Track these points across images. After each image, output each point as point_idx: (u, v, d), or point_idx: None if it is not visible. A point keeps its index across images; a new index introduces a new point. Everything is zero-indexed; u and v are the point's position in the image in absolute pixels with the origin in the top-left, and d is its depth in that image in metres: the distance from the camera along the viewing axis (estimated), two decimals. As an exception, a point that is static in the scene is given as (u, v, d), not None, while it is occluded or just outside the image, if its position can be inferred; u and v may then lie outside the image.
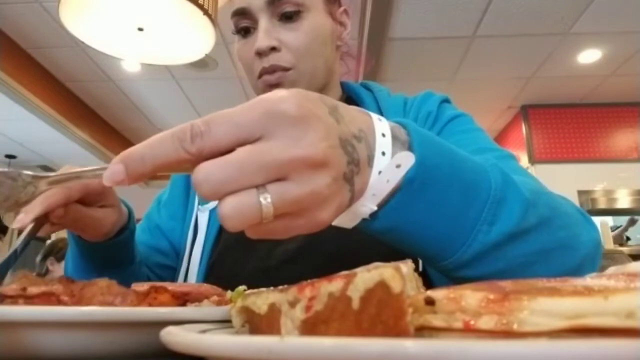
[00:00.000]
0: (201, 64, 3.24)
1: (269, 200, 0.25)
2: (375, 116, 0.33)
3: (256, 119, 0.26)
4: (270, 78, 0.63)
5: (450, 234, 0.35)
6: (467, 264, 0.36)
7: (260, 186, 0.26)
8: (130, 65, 3.41)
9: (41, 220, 0.44)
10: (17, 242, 0.42)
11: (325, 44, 0.65)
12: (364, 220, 0.34)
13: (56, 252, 2.48)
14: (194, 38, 1.80)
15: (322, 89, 0.68)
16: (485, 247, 0.36)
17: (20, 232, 0.43)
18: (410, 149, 0.33)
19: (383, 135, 0.32)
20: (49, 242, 2.65)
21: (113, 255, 0.58)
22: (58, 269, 2.45)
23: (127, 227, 0.57)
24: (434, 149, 0.34)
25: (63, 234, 2.56)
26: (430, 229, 0.35)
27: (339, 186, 0.29)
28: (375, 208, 0.32)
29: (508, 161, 0.57)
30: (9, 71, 3.13)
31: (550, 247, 0.39)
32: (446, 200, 0.34)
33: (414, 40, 3.10)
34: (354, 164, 0.29)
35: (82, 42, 1.85)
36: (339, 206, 0.29)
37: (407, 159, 0.32)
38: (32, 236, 0.43)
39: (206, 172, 0.25)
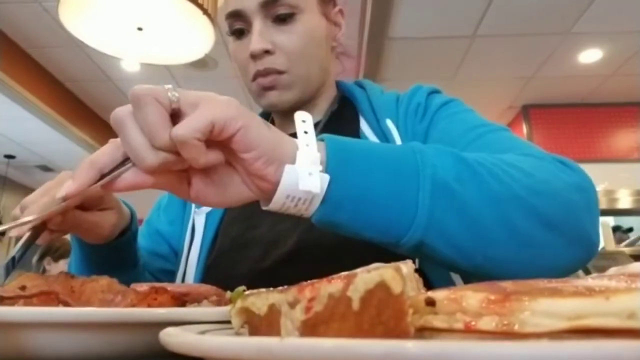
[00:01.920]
0: (201, 64, 3.24)
1: (176, 94, 0.34)
2: (297, 150, 0.37)
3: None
4: (264, 81, 0.63)
5: (398, 190, 0.37)
6: (430, 212, 0.37)
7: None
8: (130, 65, 3.41)
9: (39, 227, 0.44)
10: (15, 249, 0.42)
11: (319, 45, 0.65)
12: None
13: (53, 252, 2.49)
14: (194, 38, 1.80)
15: (317, 90, 0.68)
16: (438, 182, 0.37)
17: (18, 239, 0.43)
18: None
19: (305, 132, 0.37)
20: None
21: (116, 258, 0.57)
22: (55, 269, 2.45)
23: (129, 229, 0.57)
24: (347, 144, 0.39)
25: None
26: (375, 190, 0.37)
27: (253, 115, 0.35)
28: (319, 154, 0.36)
29: (500, 133, 0.56)
30: (8, 71, 3.13)
31: (515, 195, 0.39)
32: (378, 164, 0.38)
33: (414, 40, 3.10)
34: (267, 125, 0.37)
35: (82, 42, 1.85)
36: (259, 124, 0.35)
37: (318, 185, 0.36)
38: (31, 244, 0.43)
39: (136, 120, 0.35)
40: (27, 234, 0.42)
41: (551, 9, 2.76)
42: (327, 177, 0.36)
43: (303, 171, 0.35)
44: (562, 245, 0.41)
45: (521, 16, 2.83)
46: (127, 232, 0.56)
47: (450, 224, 0.38)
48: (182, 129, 0.32)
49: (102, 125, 4.32)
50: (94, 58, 3.30)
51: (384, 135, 0.63)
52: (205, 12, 1.61)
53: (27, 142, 4.29)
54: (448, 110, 0.63)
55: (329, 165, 0.36)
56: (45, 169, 4.92)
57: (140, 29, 1.75)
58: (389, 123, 0.63)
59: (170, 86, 0.34)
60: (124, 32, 1.77)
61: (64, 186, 0.36)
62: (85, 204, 0.49)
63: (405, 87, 0.71)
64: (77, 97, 3.97)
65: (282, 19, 0.62)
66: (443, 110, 0.63)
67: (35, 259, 2.52)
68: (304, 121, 0.37)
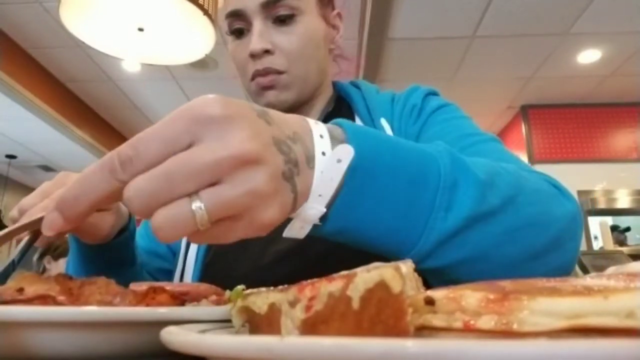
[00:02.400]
0: (201, 64, 3.24)
1: (201, 207, 0.25)
2: (311, 120, 0.33)
3: (183, 129, 0.25)
4: (263, 80, 0.63)
5: (405, 227, 0.34)
6: (430, 254, 0.35)
7: (193, 194, 0.25)
8: (131, 65, 3.41)
9: (37, 230, 0.44)
10: (15, 252, 0.42)
11: (318, 47, 0.66)
12: (314, 226, 0.33)
13: (52, 250, 2.49)
14: (194, 38, 1.80)
15: (315, 91, 0.69)
16: (444, 235, 0.34)
17: (18, 241, 0.43)
18: (347, 143, 0.32)
19: (321, 136, 0.31)
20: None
21: (114, 257, 0.57)
22: (55, 267, 2.46)
23: (127, 229, 0.57)
24: (372, 141, 0.34)
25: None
26: (382, 224, 0.34)
27: (279, 185, 0.28)
28: (324, 210, 0.31)
29: (492, 144, 0.56)
30: (9, 71, 3.13)
31: (517, 226, 0.38)
32: (394, 192, 0.33)
33: (414, 40, 3.10)
34: (292, 163, 0.29)
35: (83, 42, 1.85)
36: (282, 206, 0.28)
37: (346, 152, 0.31)
38: (30, 246, 0.43)
39: (135, 188, 0.24)
40: (27, 237, 0.42)
41: (550, 9, 2.77)
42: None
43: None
44: (543, 273, 0.41)
45: (520, 17, 2.83)
46: (125, 232, 0.57)
47: (453, 255, 0.36)
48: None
49: (103, 125, 4.32)
50: (95, 58, 3.31)
51: None
52: (205, 12, 1.61)
53: (28, 142, 4.29)
54: (443, 115, 0.63)
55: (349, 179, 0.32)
56: (47, 168, 4.92)
57: (141, 29, 1.76)
58: (384, 122, 0.64)
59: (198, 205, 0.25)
60: (125, 33, 1.77)
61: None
62: None
63: (404, 87, 0.71)
64: (78, 97, 3.97)
65: (282, 20, 0.62)
66: (438, 114, 0.63)
67: (35, 257, 2.52)
68: (321, 136, 0.32)
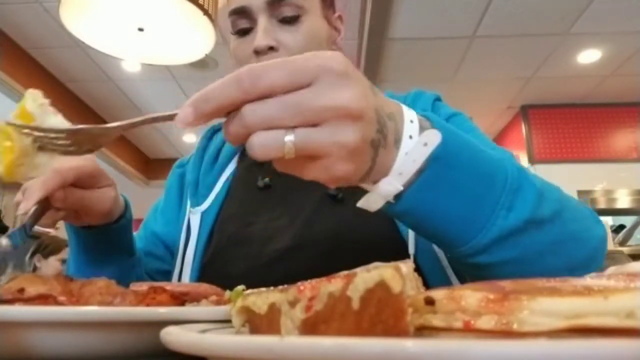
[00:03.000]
0: (201, 64, 3.24)
1: (293, 141, 0.29)
2: (403, 105, 0.36)
3: (308, 69, 0.29)
4: None
5: (470, 218, 0.37)
6: (485, 249, 0.38)
7: (291, 128, 0.29)
8: (131, 65, 3.41)
9: (43, 204, 0.46)
10: (25, 218, 0.44)
11: (321, 46, 0.66)
12: (387, 203, 0.35)
13: (42, 249, 2.51)
14: (194, 38, 1.80)
15: None
16: (503, 232, 0.37)
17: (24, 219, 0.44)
18: None
19: (411, 121, 0.34)
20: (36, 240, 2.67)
21: (113, 243, 0.59)
22: (45, 266, 2.48)
23: (124, 216, 0.59)
24: (454, 135, 0.36)
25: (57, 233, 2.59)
26: (451, 212, 0.36)
27: (365, 148, 0.31)
28: (401, 188, 0.34)
29: (513, 160, 0.57)
30: (9, 71, 3.13)
31: (563, 239, 0.41)
32: (467, 184, 0.36)
33: (414, 40, 3.10)
34: (382, 135, 0.32)
35: (83, 42, 1.85)
36: (357, 168, 0.31)
37: (434, 137, 0.34)
38: (38, 217, 0.45)
39: (253, 108, 0.29)
40: (34, 208, 0.43)
41: (550, 9, 2.76)
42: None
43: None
44: None
45: (520, 17, 2.83)
46: (122, 219, 0.59)
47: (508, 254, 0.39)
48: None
49: (102, 125, 4.31)
50: (95, 58, 3.30)
51: None
52: (205, 12, 1.61)
53: (27, 142, 4.29)
54: (456, 125, 0.64)
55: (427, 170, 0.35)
56: (45, 169, 4.92)
57: (141, 29, 1.75)
58: None
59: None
60: (125, 33, 1.77)
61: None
62: (82, 183, 0.51)
63: (404, 88, 0.71)
64: (78, 98, 3.97)
65: (288, 21, 0.63)
66: (452, 123, 0.64)
67: (27, 257, 2.53)
68: (411, 121, 0.35)
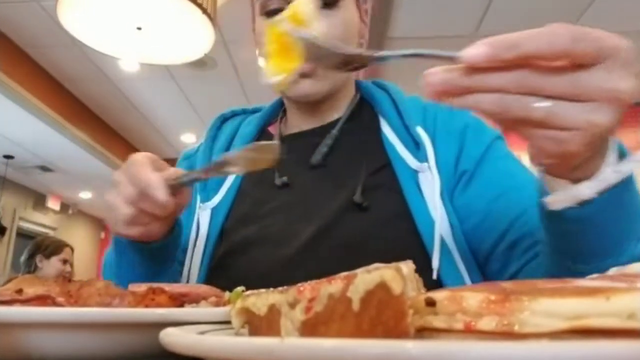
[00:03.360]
0: (200, 64, 3.24)
1: (542, 106, 0.29)
2: None
3: (601, 48, 0.28)
4: (305, 66, 0.59)
5: (621, 240, 0.39)
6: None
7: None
8: (129, 64, 3.41)
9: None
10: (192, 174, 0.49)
11: (354, 37, 0.64)
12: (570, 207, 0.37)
13: (44, 249, 2.50)
14: (193, 37, 1.80)
15: (342, 85, 0.67)
16: (633, 259, 0.39)
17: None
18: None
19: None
20: (34, 240, 2.67)
21: (173, 250, 0.58)
22: (47, 265, 2.47)
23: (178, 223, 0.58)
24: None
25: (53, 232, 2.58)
26: (614, 232, 0.39)
27: (606, 136, 0.32)
28: (596, 195, 0.35)
29: None
30: (7, 70, 3.12)
31: None
32: (633, 213, 0.39)
33: (415, 40, 3.10)
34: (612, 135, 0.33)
35: (80, 42, 1.84)
36: (584, 150, 0.31)
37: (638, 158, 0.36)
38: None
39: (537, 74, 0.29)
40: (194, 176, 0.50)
41: (551, 8, 2.77)
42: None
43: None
44: None
45: (521, 15, 2.83)
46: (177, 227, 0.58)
47: None
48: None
49: (101, 125, 4.31)
50: (93, 58, 3.30)
51: (414, 143, 0.61)
52: (204, 11, 1.61)
53: (26, 142, 4.28)
54: (502, 147, 0.62)
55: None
56: (44, 169, 4.91)
57: (139, 28, 1.75)
58: (420, 131, 0.62)
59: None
60: (123, 32, 1.77)
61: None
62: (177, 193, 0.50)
63: (404, 88, 0.70)
64: (76, 97, 3.97)
65: (327, 3, 0.60)
66: (497, 145, 0.62)
67: (23, 258, 2.53)
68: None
